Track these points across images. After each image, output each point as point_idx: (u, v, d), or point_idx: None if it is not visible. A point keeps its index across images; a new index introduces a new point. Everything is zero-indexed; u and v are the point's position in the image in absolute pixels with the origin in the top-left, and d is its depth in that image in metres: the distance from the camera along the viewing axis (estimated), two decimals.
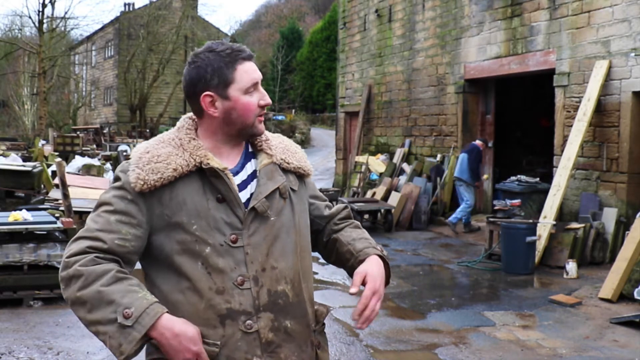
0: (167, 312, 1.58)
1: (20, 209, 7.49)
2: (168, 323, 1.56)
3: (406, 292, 7.41)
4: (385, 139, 15.52)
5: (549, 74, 10.42)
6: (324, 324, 1.90)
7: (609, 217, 8.80)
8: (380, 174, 14.24)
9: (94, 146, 24.93)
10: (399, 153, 14.39)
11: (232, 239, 1.68)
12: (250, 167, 1.79)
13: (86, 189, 10.84)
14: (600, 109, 9.22)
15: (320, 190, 14.37)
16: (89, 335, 1.62)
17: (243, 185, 1.75)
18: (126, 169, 1.71)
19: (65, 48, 39.11)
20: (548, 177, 10.34)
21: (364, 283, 1.77)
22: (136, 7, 42.75)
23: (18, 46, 34.51)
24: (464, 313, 6.57)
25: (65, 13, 52.19)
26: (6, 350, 5.07)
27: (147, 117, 38.31)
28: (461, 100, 12.73)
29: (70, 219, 7.38)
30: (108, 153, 20.91)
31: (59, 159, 9.92)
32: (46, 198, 10.17)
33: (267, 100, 1.78)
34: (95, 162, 16.73)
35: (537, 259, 8.42)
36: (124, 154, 18.13)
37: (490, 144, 12.44)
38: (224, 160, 1.75)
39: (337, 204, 2.11)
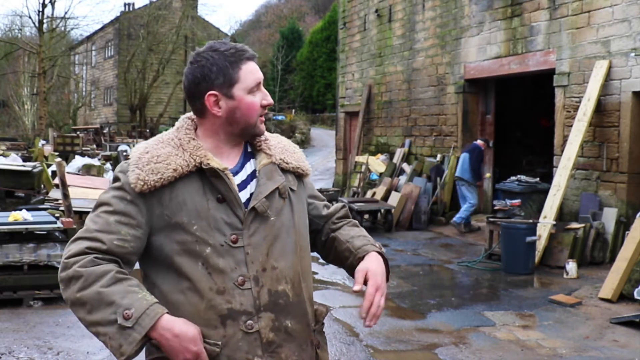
0: (167, 312, 1.58)
1: (20, 209, 7.49)
2: (168, 324, 1.56)
3: (406, 292, 7.41)
4: (385, 139, 15.52)
5: (549, 74, 10.42)
6: (323, 324, 1.90)
7: (609, 217, 8.80)
8: (380, 174, 14.24)
9: (94, 146, 24.93)
10: (399, 153, 14.39)
11: (233, 239, 1.68)
12: (249, 167, 1.79)
13: (86, 189, 10.84)
14: (600, 109, 9.22)
15: (320, 190, 14.41)
16: (89, 335, 1.62)
17: (243, 185, 1.75)
18: (125, 169, 1.71)
19: (65, 48, 39.10)
20: (548, 177, 10.34)
21: (365, 280, 1.78)
22: (136, 7, 42.76)
23: (18, 46, 34.50)
24: (464, 313, 6.57)
25: (65, 13, 52.25)
26: (6, 350, 5.07)
27: (147, 117, 38.31)
28: (461, 100, 12.73)
29: (70, 219, 7.38)
30: (108, 153, 20.91)
31: (59, 159, 9.92)
32: (46, 198, 10.17)
33: (269, 100, 1.78)
34: (95, 162, 16.73)
35: (537, 259, 8.42)
36: (124, 154, 18.13)
37: (490, 144, 12.44)
38: (224, 160, 1.75)
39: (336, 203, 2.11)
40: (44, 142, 23.78)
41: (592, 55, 9.50)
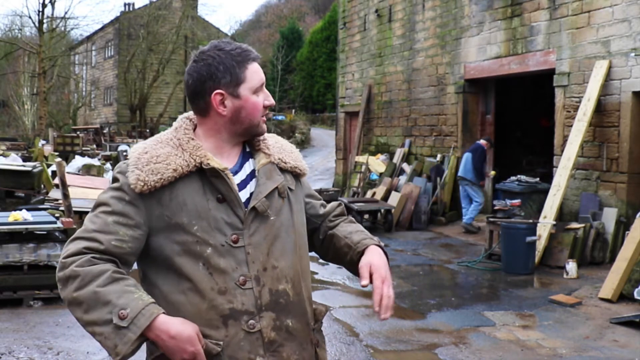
0: (164, 312, 1.58)
1: (20, 209, 7.49)
2: (164, 325, 1.56)
3: (406, 292, 7.41)
4: (385, 139, 15.52)
5: (549, 74, 10.42)
6: (321, 323, 1.90)
7: (609, 217, 8.80)
8: (380, 174, 14.24)
9: (94, 146, 24.92)
10: (399, 153, 14.39)
11: (233, 239, 1.68)
12: (248, 167, 1.79)
13: (86, 189, 10.84)
14: (600, 109, 9.22)
15: (320, 190, 14.42)
16: (88, 335, 1.61)
17: (242, 185, 1.75)
18: (124, 170, 1.70)
19: (65, 48, 39.09)
20: (548, 177, 10.34)
21: (369, 274, 1.78)
22: (136, 7, 42.74)
23: (18, 46, 34.49)
24: (464, 313, 6.57)
25: (65, 13, 52.23)
26: (6, 350, 5.07)
27: (147, 117, 38.29)
28: (461, 100, 12.73)
29: (70, 219, 7.38)
30: (108, 153, 20.92)
31: (59, 159, 9.92)
32: (46, 198, 10.17)
33: (272, 101, 1.79)
34: (95, 162, 16.74)
35: (537, 259, 8.42)
36: (124, 154, 18.14)
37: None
38: (224, 159, 1.75)
39: None
40: (44, 142, 23.78)
41: (592, 55, 9.50)
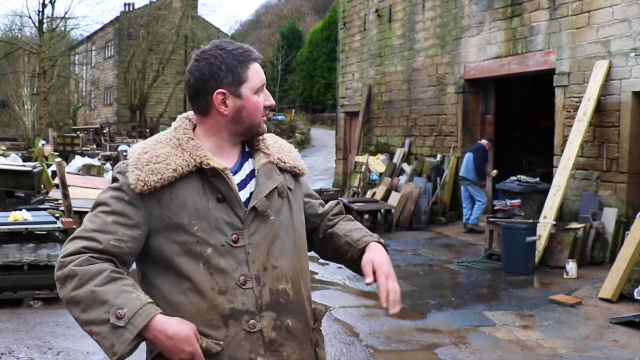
0: (161, 312, 1.57)
1: (20, 209, 7.49)
2: (161, 325, 1.55)
3: (406, 292, 7.41)
4: (385, 139, 15.52)
5: (549, 74, 10.42)
6: (321, 322, 1.91)
7: (609, 217, 8.80)
8: (380, 174, 14.24)
9: (94, 146, 24.93)
10: (399, 153, 14.39)
11: (234, 239, 1.68)
12: (248, 167, 1.79)
13: (86, 189, 10.84)
14: (600, 109, 9.22)
15: (320, 190, 14.41)
16: (88, 335, 1.61)
17: (242, 185, 1.75)
18: (124, 170, 1.70)
19: (65, 48, 39.08)
20: (548, 177, 10.34)
21: (373, 271, 1.78)
22: (136, 7, 42.72)
23: (18, 46, 34.49)
24: (464, 313, 6.57)
25: (65, 13, 52.18)
26: (6, 350, 5.07)
27: (147, 117, 38.28)
28: (461, 100, 12.73)
29: (70, 219, 7.38)
30: (108, 153, 20.92)
31: (59, 159, 9.92)
32: (46, 198, 10.17)
33: (272, 101, 1.80)
34: (95, 162, 16.74)
35: (537, 259, 8.42)
36: (124, 154, 18.13)
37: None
38: (224, 159, 1.75)
39: None
40: (44, 142, 23.77)
41: (592, 55, 9.50)
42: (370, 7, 16.23)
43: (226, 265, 1.66)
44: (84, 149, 21.78)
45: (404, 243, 10.73)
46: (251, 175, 1.78)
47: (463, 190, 11.72)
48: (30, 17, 41.41)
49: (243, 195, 1.73)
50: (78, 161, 16.05)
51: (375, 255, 1.82)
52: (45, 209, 8.52)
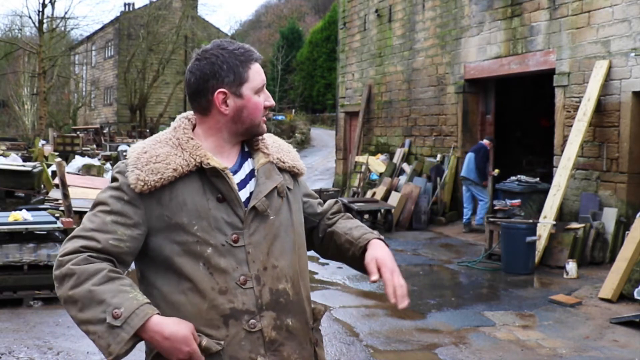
0: (158, 313, 1.57)
1: (20, 209, 7.49)
2: (157, 326, 1.55)
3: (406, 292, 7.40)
4: (385, 139, 15.52)
5: (549, 74, 10.42)
6: (320, 322, 1.91)
7: (609, 217, 8.80)
8: (380, 174, 14.24)
9: (94, 146, 24.92)
10: (399, 153, 14.39)
11: (234, 239, 1.68)
12: (247, 167, 1.79)
13: (86, 189, 10.84)
14: (600, 109, 9.22)
15: (320, 190, 14.40)
16: (85, 334, 1.61)
17: (242, 185, 1.75)
18: (124, 170, 1.70)
19: (65, 48, 39.07)
20: (548, 177, 10.34)
21: (377, 268, 1.79)
22: (136, 7, 42.72)
23: (18, 46, 34.49)
24: (464, 313, 6.57)
25: (65, 13, 52.17)
26: (6, 350, 5.07)
27: (147, 117, 38.28)
28: (461, 100, 12.73)
29: (70, 219, 7.38)
30: (108, 153, 20.92)
31: (59, 159, 9.92)
32: (46, 198, 10.17)
33: (272, 101, 1.80)
34: (95, 162, 16.75)
35: (537, 259, 8.42)
36: (124, 154, 18.13)
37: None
38: (224, 159, 1.75)
39: None
40: (44, 142, 23.77)
41: (592, 55, 9.50)
42: (370, 7, 16.23)
43: (226, 265, 1.66)
44: (84, 149, 21.78)
45: (404, 243, 10.73)
46: (251, 175, 1.78)
47: (465, 190, 11.71)
48: (30, 17, 41.42)
49: (243, 195, 1.73)
50: (78, 161, 16.06)
51: (378, 252, 1.82)
52: (45, 209, 8.52)
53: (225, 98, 1.71)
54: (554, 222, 8.70)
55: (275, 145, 1.86)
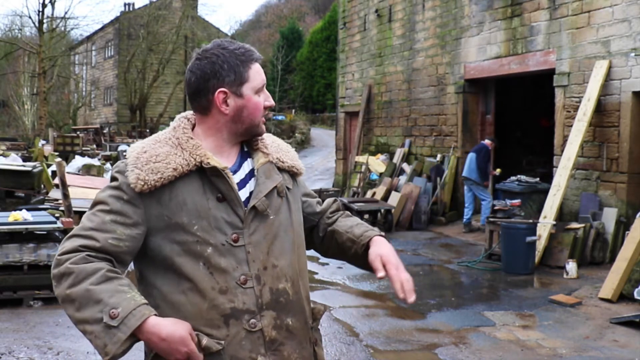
0: (155, 314, 1.57)
1: (20, 209, 7.49)
2: (154, 327, 1.55)
3: None
4: (385, 139, 15.52)
5: (549, 74, 10.42)
6: (319, 322, 1.91)
7: (609, 217, 8.80)
8: (380, 174, 14.24)
9: (94, 146, 24.92)
10: (399, 153, 14.39)
11: (234, 238, 1.68)
12: (247, 166, 1.80)
13: (86, 189, 10.84)
14: (600, 109, 9.22)
15: (320, 190, 14.40)
16: (82, 334, 1.61)
17: (242, 184, 1.75)
18: (123, 169, 1.70)
19: (65, 48, 39.07)
20: (548, 177, 10.34)
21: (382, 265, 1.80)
22: (136, 7, 42.71)
23: (18, 46, 34.48)
24: (464, 313, 6.57)
25: (65, 13, 52.17)
26: (6, 350, 5.07)
27: (147, 117, 38.28)
28: (461, 100, 12.73)
29: (70, 219, 7.38)
30: (108, 153, 20.92)
31: (59, 159, 9.92)
32: (46, 198, 10.17)
33: (272, 102, 1.80)
34: (95, 162, 16.74)
35: (537, 259, 8.42)
36: (124, 154, 18.10)
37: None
38: (224, 159, 1.75)
39: None
40: (44, 142, 23.77)
41: (592, 55, 9.50)
42: (370, 7, 16.23)
43: (226, 265, 1.66)
44: (84, 149, 21.78)
45: (404, 243, 10.73)
46: (250, 174, 1.78)
47: (466, 190, 11.71)
48: (30, 17, 41.42)
49: (242, 194, 1.73)
50: (78, 161, 16.05)
51: (382, 249, 1.83)
52: (45, 209, 8.52)
53: (226, 98, 1.72)
54: (554, 222, 8.70)
55: (274, 145, 1.87)
